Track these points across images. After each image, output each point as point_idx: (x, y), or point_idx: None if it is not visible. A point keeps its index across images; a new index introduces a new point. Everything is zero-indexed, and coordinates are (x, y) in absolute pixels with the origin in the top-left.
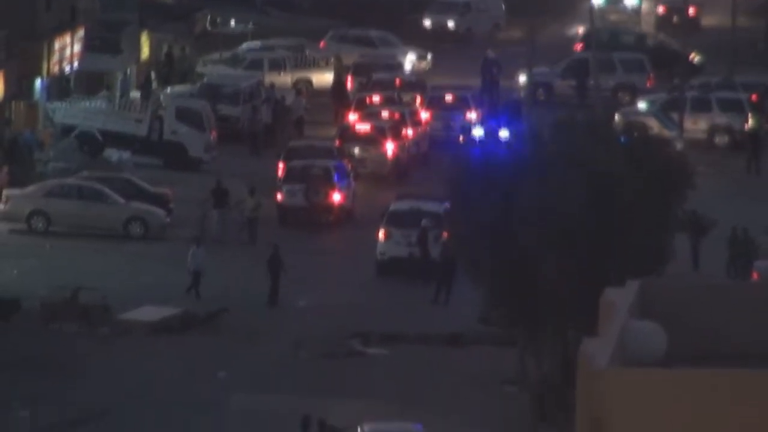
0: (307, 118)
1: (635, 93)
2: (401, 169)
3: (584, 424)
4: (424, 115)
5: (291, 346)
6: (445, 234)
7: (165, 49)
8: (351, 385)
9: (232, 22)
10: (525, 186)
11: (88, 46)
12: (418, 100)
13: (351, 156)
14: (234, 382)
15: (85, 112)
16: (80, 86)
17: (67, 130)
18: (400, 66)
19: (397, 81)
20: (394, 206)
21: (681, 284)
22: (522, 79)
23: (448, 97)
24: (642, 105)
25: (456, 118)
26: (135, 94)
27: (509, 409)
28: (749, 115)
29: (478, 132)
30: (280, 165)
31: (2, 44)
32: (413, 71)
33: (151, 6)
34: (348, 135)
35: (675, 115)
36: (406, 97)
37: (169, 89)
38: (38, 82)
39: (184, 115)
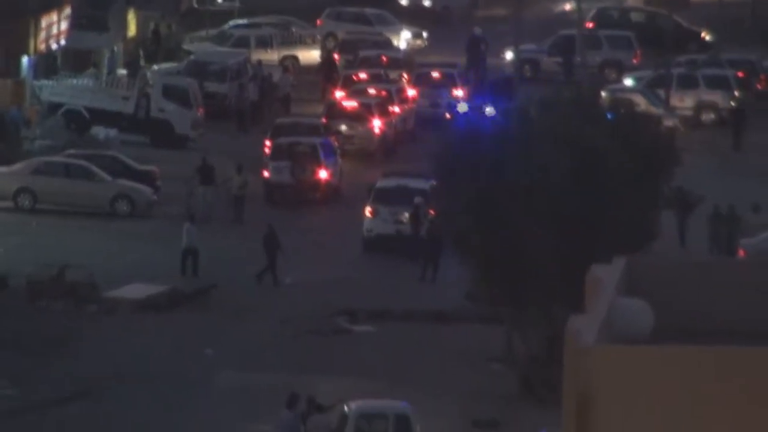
0: (293, 95)
1: (622, 70)
2: (388, 146)
3: (571, 400)
4: (411, 92)
5: (278, 323)
6: (431, 211)
7: (152, 26)
8: (338, 363)
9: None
10: (511, 163)
11: (75, 24)
12: (405, 77)
13: (338, 133)
14: (221, 360)
15: (71, 90)
16: (67, 64)
17: (53, 107)
18: (388, 43)
19: (384, 58)
20: (381, 183)
21: (668, 261)
22: (509, 56)
23: (435, 75)
24: (628, 82)
25: (443, 95)
26: (122, 72)
27: (496, 386)
28: (736, 91)
29: (464, 109)
30: (267, 142)
31: None
32: (408, 49)
33: None
34: (335, 112)
35: (661, 92)
36: (393, 75)
37: (155, 67)
38: (25, 60)
39: (170, 92)
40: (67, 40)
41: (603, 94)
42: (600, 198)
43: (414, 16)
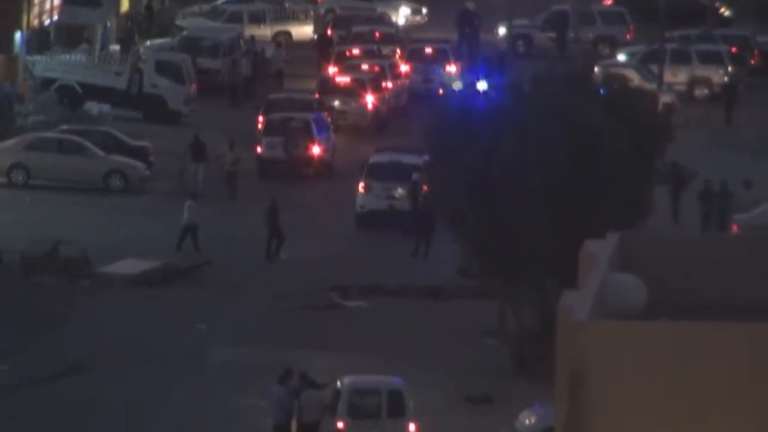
0: (286, 70)
1: (615, 45)
2: (381, 122)
3: (564, 376)
4: (404, 67)
5: (271, 298)
6: (424, 187)
7: (144, 1)
8: (331, 338)
9: None
10: (505, 138)
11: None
12: (398, 52)
13: (331, 108)
14: (215, 335)
15: (65, 65)
16: (60, 39)
17: (47, 83)
18: (381, 19)
19: (377, 34)
20: (374, 159)
21: (661, 237)
22: (501, 31)
23: (428, 50)
24: (622, 57)
25: (436, 71)
26: (115, 47)
27: (489, 361)
28: (729, 67)
29: (457, 84)
30: (260, 118)
31: None
32: (407, 25)
33: None
34: (328, 87)
35: (654, 68)
36: (386, 50)
37: (148, 42)
38: (18, 36)
39: (163, 68)
40: (60, 15)
41: (596, 69)
42: (594, 173)
43: None
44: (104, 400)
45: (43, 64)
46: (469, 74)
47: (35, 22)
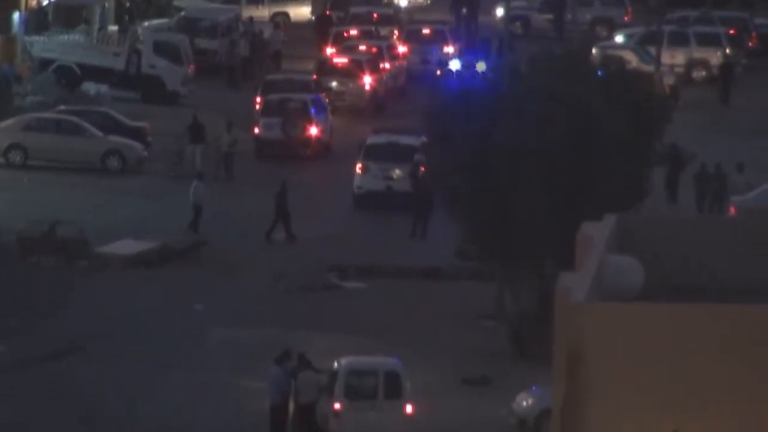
0: (284, 51)
1: (613, 27)
2: (378, 103)
3: (561, 357)
4: (402, 48)
5: (269, 279)
6: (422, 168)
7: None
8: (329, 319)
9: None
10: (503, 120)
11: None
12: (396, 33)
13: (328, 89)
14: (212, 315)
15: (63, 46)
16: (58, 20)
17: (45, 63)
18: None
19: (375, 15)
20: (371, 140)
21: (658, 219)
22: (499, 12)
23: (426, 31)
24: (619, 39)
25: (433, 52)
26: (113, 28)
27: (487, 343)
28: (727, 49)
29: (455, 65)
30: (258, 98)
31: None
32: (410, 6)
33: None
34: (325, 68)
35: (652, 49)
36: (383, 31)
37: (146, 23)
38: (16, 16)
39: (161, 48)
40: None
41: (594, 51)
42: (591, 155)
43: None
44: (102, 380)
45: (41, 45)
46: (467, 55)
47: (33, 3)
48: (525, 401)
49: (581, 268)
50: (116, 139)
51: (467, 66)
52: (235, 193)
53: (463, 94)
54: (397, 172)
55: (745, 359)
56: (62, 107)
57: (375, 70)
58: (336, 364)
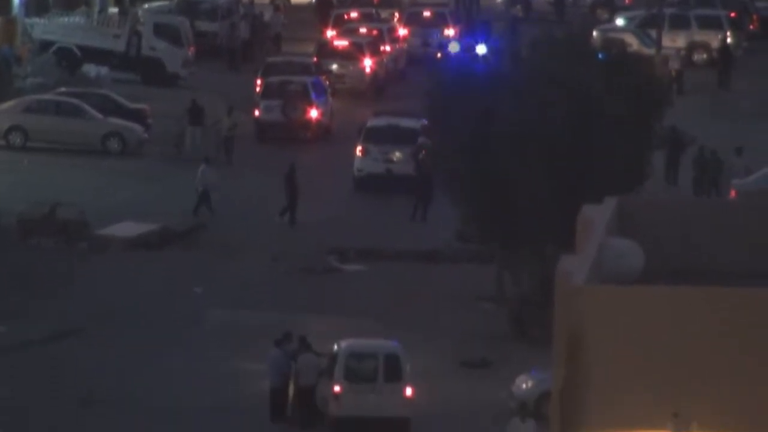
0: (284, 34)
1: (613, 10)
2: (379, 85)
3: (562, 340)
4: (402, 31)
5: (269, 261)
6: (425, 151)
7: None
8: (329, 302)
9: None
10: (503, 102)
11: None
12: (397, 16)
13: (329, 72)
14: (212, 298)
15: (63, 28)
16: (58, 2)
17: (45, 45)
18: None
19: None
20: (372, 123)
21: (658, 202)
22: None
23: (426, 14)
24: (620, 22)
25: (434, 35)
26: (113, 10)
27: (486, 325)
28: (728, 32)
29: (454, 47)
30: (258, 81)
31: None
32: None
33: None
34: (326, 51)
35: (653, 32)
36: (384, 14)
37: (147, 5)
38: None
39: (162, 30)
40: None
41: (595, 34)
42: (592, 138)
43: None
44: (101, 362)
45: (41, 27)
46: (468, 38)
47: None
48: (525, 384)
49: (581, 251)
50: (116, 121)
51: (467, 49)
52: (235, 175)
53: (463, 76)
54: (397, 155)
55: (745, 342)
56: (62, 89)
57: (375, 52)
58: (336, 347)
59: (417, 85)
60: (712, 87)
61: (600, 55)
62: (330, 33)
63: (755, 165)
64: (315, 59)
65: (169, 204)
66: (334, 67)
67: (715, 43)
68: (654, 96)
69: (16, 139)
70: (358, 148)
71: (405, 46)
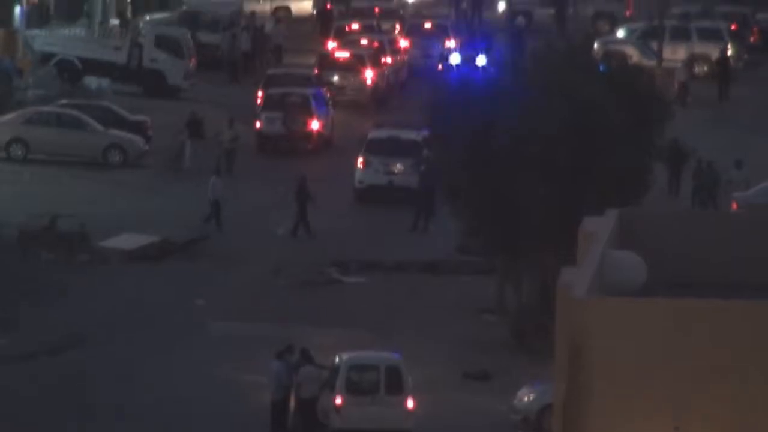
0: (286, 45)
1: (614, 22)
2: (380, 97)
3: (563, 352)
4: (403, 43)
5: (270, 273)
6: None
7: None
8: (330, 313)
9: None
10: (504, 113)
11: None
12: (398, 28)
13: (330, 84)
14: (213, 309)
15: (64, 40)
16: (60, 14)
17: (46, 57)
18: None
19: (377, 9)
20: (373, 134)
21: (660, 214)
22: (501, 6)
23: (427, 25)
24: (621, 34)
25: (435, 46)
26: (114, 22)
27: (488, 337)
28: (728, 44)
29: (455, 59)
30: (259, 93)
31: None
32: (417, 2)
33: None
34: (327, 63)
35: (654, 44)
36: (385, 26)
37: (148, 17)
38: (17, 10)
39: (163, 42)
40: None
41: (596, 46)
42: (593, 149)
43: None
44: (102, 374)
45: (42, 39)
46: (469, 50)
47: None
48: (526, 397)
49: (583, 263)
50: (117, 133)
51: (468, 60)
52: (236, 187)
53: (464, 87)
54: (398, 167)
55: (747, 355)
56: (63, 101)
57: (376, 64)
58: (337, 359)
59: (418, 96)
60: (712, 99)
61: (601, 67)
62: (331, 45)
63: (755, 178)
64: (316, 71)
65: (170, 216)
66: (335, 78)
67: (715, 56)
68: (655, 108)
69: (17, 151)
70: (359, 160)
71: (406, 57)
